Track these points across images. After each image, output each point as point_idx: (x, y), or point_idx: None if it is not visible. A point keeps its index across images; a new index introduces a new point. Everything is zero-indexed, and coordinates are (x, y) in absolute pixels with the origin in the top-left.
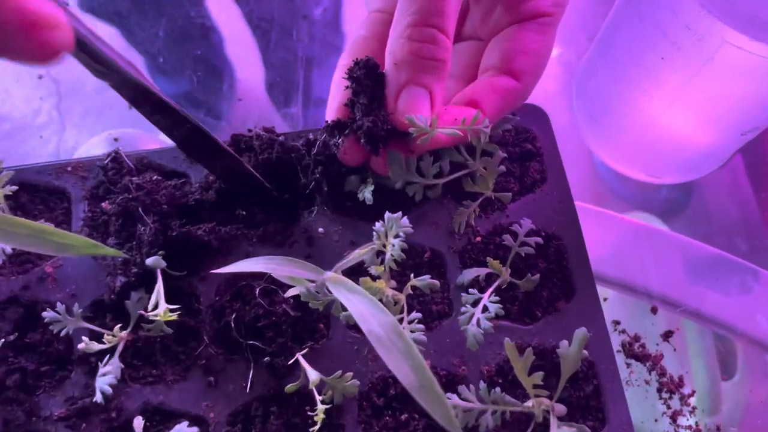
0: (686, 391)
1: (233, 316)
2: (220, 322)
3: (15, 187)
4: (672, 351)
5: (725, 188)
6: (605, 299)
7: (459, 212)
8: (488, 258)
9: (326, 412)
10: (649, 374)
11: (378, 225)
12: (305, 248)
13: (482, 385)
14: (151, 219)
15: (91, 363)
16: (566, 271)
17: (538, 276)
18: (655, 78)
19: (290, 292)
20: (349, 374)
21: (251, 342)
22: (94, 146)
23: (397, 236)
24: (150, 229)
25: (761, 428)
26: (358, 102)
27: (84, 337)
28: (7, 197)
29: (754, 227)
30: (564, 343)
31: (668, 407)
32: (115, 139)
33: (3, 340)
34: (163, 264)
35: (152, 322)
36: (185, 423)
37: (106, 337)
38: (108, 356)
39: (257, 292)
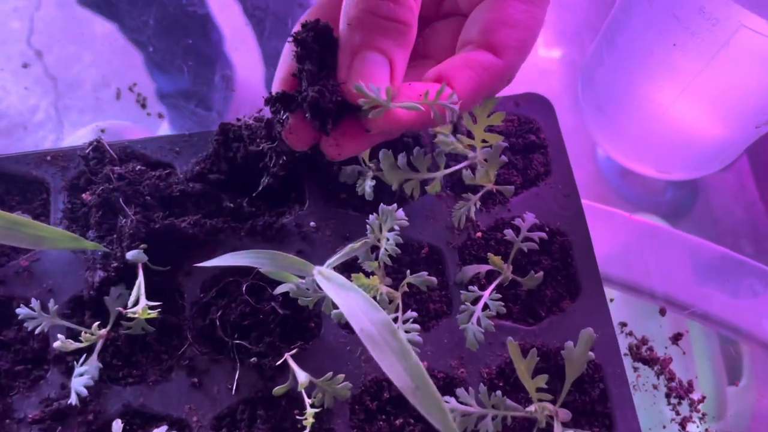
0: (696, 396)
1: (219, 313)
2: (205, 320)
3: None
4: (681, 354)
5: (731, 190)
6: (611, 300)
7: (459, 205)
8: (489, 254)
9: (316, 416)
10: (657, 378)
11: (372, 218)
12: (296, 243)
13: (482, 388)
14: (132, 210)
15: (68, 362)
16: (571, 268)
17: (541, 274)
18: (667, 66)
19: (279, 289)
20: (341, 376)
21: (237, 341)
22: (81, 138)
23: (391, 230)
24: (131, 222)
25: None
26: (304, 69)
27: (60, 335)
28: None
29: (760, 229)
30: (569, 344)
31: (677, 413)
32: (102, 131)
33: None
34: (145, 258)
35: (132, 319)
36: (164, 428)
37: (84, 335)
38: (85, 355)
39: (244, 288)
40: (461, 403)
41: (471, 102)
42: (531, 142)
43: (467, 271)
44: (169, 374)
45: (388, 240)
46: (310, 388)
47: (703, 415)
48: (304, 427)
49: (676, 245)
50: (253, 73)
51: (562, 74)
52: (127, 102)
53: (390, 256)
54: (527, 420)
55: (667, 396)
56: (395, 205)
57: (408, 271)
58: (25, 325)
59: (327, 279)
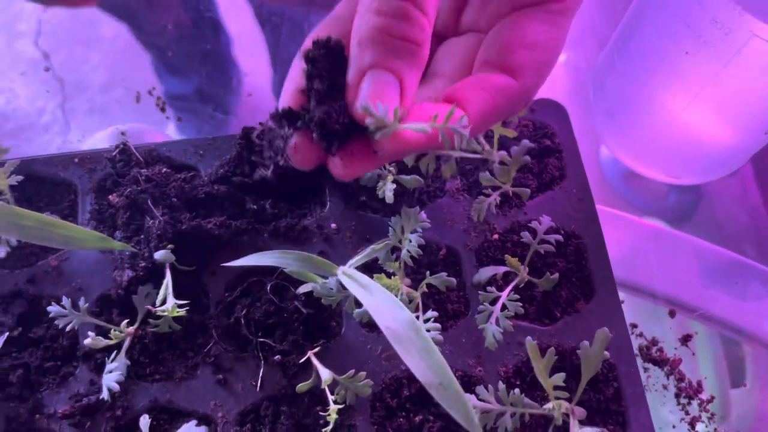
0: (705, 396)
1: (243, 312)
2: (230, 318)
3: (20, 177)
4: (690, 355)
5: (734, 194)
6: (622, 302)
7: (479, 200)
8: (506, 255)
9: (338, 412)
10: (667, 379)
11: (394, 220)
12: (318, 244)
13: (501, 386)
14: (160, 212)
15: (96, 359)
16: (586, 270)
17: (557, 275)
18: (678, 73)
19: (302, 289)
20: (362, 374)
21: (262, 339)
22: (100, 141)
23: (414, 231)
24: (159, 222)
25: None
26: (312, 88)
27: (90, 333)
28: (12, 188)
29: (763, 233)
30: (585, 343)
31: (686, 413)
32: (122, 133)
33: (7, 334)
34: (172, 258)
35: (160, 317)
36: (193, 422)
37: (113, 333)
38: (115, 352)
39: (269, 288)
40: (481, 400)
41: (484, 125)
42: (546, 147)
43: (484, 272)
44: (194, 371)
45: (410, 241)
46: (333, 385)
47: (712, 415)
48: (326, 423)
49: (683, 248)
50: (267, 77)
51: (566, 79)
52: (132, 104)
53: (411, 256)
54: (543, 417)
55: (677, 396)
56: (417, 207)
57: (428, 272)
58: (56, 322)
59: (352, 279)
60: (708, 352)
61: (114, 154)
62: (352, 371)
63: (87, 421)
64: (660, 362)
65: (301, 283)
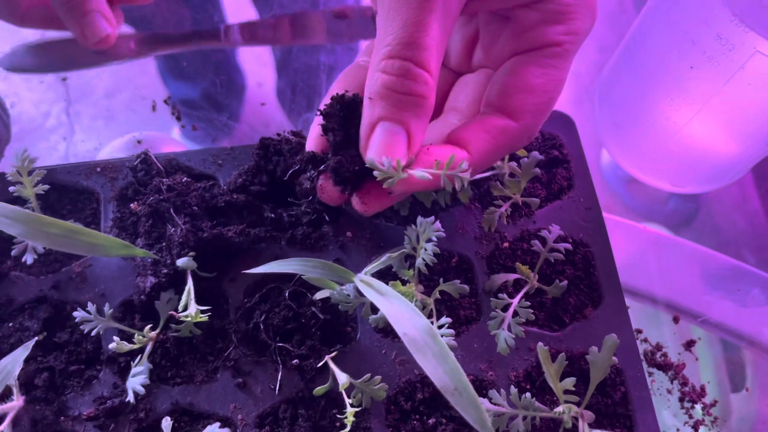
0: (708, 401)
1: (262, 318)
2: (249, 323)
3: (47, 187)
4: (694, 360)
5: (734, 201)
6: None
7: (489, 211)
8: (517, 263)
9: (354, 415)
10: (671, 383)
11: (409, 229)
12: (334, 252)
13: (513, 390)
14: (182, 220)
15: (119, 363)
16: (593, 278)
17: (566, 282)
18: (683, 86)
19: (319, 295)
20: (378, 377)
21: (280, 344)
22: (116, 149)
23: (429, 240)
24: (181, 230)
25: None
26: (329, 140)
27: (115, 337)
28: (37, 196)
29: (763, 240)
30: (593, 349)
31: (690, 417)
32: (139, 142)
33: (36, 338)
34: (194, 265)
35: (181, 322)
36: (217, 424)
37: (137, 338)
38: (139, 357)
39: (287, 294)
40: (494, 404)
41: (487, 163)
42: (554, 158)
43: (495, 279)
44: (215, 375)
45: (425, 250)
46: (349, 389)
47: (715, 419)
48: (343, 426)
49: (685, 255)
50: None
51: (567, 85)
52: (136, 109)
53: (426, 264)
54: (553, 421)
55: (681, 400)
56: (433, 217)
57: (441, 279)
58: (82, 327)
59: (369, 286)
60: (710, 356)
61: (135, 163)
62: (368, 375)
63: (111, 423)
64: (664, 367)
65: (318, 289)
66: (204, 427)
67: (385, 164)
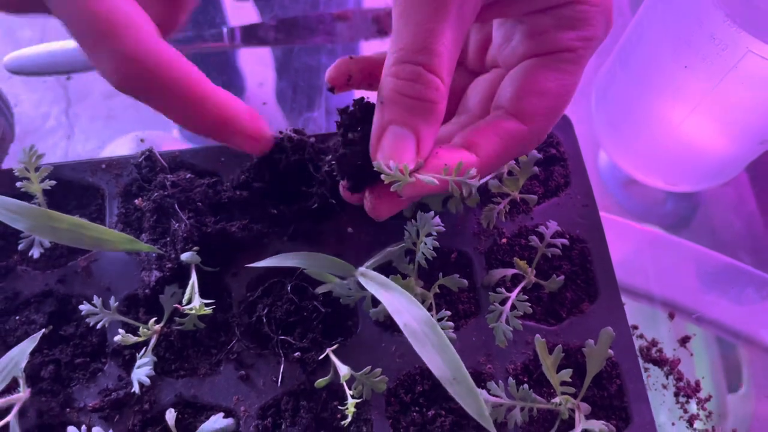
0: (702, 396)
1: (265, 311)
2: (252, 317)
3: (54, 182)
4: (689, 356)
5: (730, 202)
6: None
7: (488, 208)
8: (515, 258)
9: (355, 406)
10: (667, 378)
11: (409, 224)
12: (335, 246)
13: (511, 381)
14: (186, 215)
15: (124, 356)
16: (590, 273)
17: (562, 277)
18: (678, 86)
19: (321, 289)
20: (378, 370)
21: (282, 337)
22: (121, 146)
23: (428, 235)
24: (185, 226)
25: None
26: (341, 136)
27: (120, 330)
28: (44, 192)
29: (759, 241)
30: (590, 342)
31: (685, 411)
32: (142, 140)
33: (43, 331)
34: (198, 259)
35: (185, 316)
36: (221, 414)
37: (141, 331)
38: (144, 349)
39: (289, 288)
40: (492, 395)
41: (495, 166)
42: (552, 156)
43: (494, 274)
44: (218, 367)
45: (425, 244)
46: (350, 381)
47: (710, 413)
48: (344, 417)
49: (681, 254)
50: (281, 87)
51: None
52: (136, 110)
53: (426, 258)
54: (550, 413)
55: (676, 395)
56: (432, 212)
57: (440, 274)
58: (87, 320)
59: (370, 279)
60: (705, 353)
61: (140, 160)
62: (368, 367)
63: (116, 414)
64: (660, 362)
65: (319, 283)
66: (207, 418)
67: (392, 168)
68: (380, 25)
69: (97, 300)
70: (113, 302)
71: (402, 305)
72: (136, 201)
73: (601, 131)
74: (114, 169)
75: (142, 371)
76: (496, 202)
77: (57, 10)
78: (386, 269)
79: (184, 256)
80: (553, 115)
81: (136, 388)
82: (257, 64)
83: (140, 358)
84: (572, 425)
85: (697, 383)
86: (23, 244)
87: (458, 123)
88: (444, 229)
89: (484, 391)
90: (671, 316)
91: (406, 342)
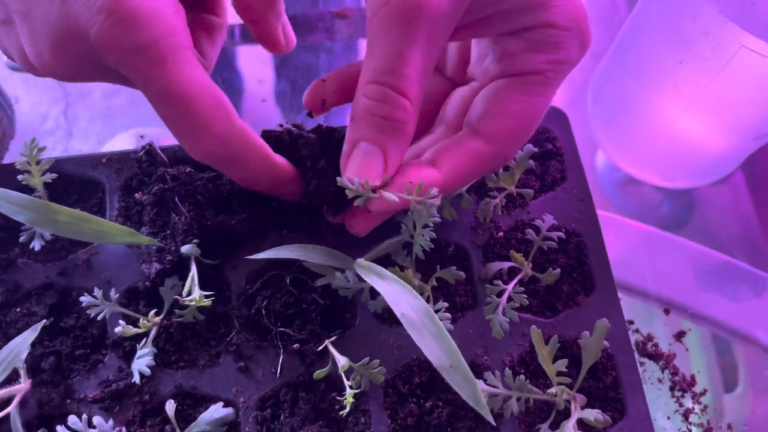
0: (697, 390)
1: (264, 303)
2: (251, 309)
3: (55, 175)
4: (684, 351)
5: (726, 202)
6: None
7: (485, 202)
8: (511, 251)
9: (353, 397)
10: (662, 373)
11: (406, 216)
12: (333, 239)
13: (507, 371)
14: (186, 209)
15: (125, 347)
16: (586, 266)
17: (558, 270)
18: (673, 82)
19: (320, 281)
20: (376, 361)
21: (281, 329)
22: (121, 142)
23: (425, 226)
24: (185, 218)
25: None
26: (309, 166)
27: (121, 321)
28: (45, 186)
29: (755, 240)
30: (585, 333)
31: (680, 405)
32: (141, 137)
33: (45, 321)
34: (198, 252)
35: (185, 308)
36: (220, 404)
37: (142, 322)
38: (144, 341)
39: (288, 280)
40: (489, 385)
41: (460, 183)
42: (548, 150)
43: (490, 267)
44: (217, 359)
45: (422, 236)
46: (348, 372)
47: (705, 407)
48: (342, 408)
49: (677, 251)
50: (280, 84)
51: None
52: (134, 110)
53: (423, 250)
54: (546, 403)
55: (671, 389)
56: None
57: (438, 267)
58: (88, 311)
59: (368, 271)
60: (699, 348)
61: (140, 154)
62: (367, 359)
63: (116, 405)
64: (655, 357)
65: (318, 276)
66: (207, 409)
67: (354, 184)
68: None
69: (97, 292)
70: (114, 294)
71: (400, 296)
72: (136, 195)
73: (598, 129)
74: (114, 164)
75: (142, 361)
76: (492, 196)
77: (144, 90)
78: (384, 262)
79: (184, 249)
80: (519, 137)
81: (136, 379)
82: (256, 62)
83: (140, 349)
84: (568, 415)
85: (692, 378)
86: (24, 236)
87: (434, 136)
88: (440, 220)
89: (481, 382)
90: (667, 312)
91: (404, 334)
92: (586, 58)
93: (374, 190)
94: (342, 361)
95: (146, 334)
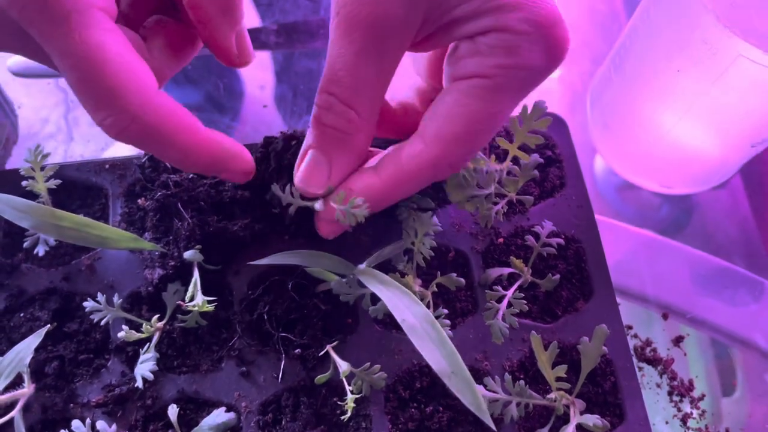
0: (696, 394)
1: (266, 309)
2: (253, 314)
3: (59, 181)
4: (682, 356)
5: (724, 207)
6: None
7: (486, 208)
8: (511, 257)
9: (354, 402)
10: (661, 378)
11: (407, 224)
12: (335, 245)
13: (507, 377)
14: (189, 214)
15: (127, 352)
16: (585, 272)
17: (558, 276)
18: (671, 90)
19: (321, 287)
20: (377, 366)
21: (283, 334)
22: (121, 148)
23: (426, 234)
24: (188, 224)
25: None
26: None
27: (124, 326)
28: (49, 191)
29: (753, 245)
30: (584, 339)
31: (679, 410)
32: None
33: (48, 326)
34: (201, 257)
35: (188, 313)
36: (222, 408)
37: (145, 327)
38: (148, 345)
39: (290, 286)
40: (489, 390)
41: (400, 189)
42: (547, 157)
43: (490, 273)
44: (219, 364)
45: (423, 243)
46: (349, 377)
47: (703, 411)
48: (343, 413)
49: (675, 256)
50: (282, 90)
51: (561, 93)
52: None
53: (424, 258)
54: (545, 408)
55: (670, 394)
56: (430, 212)
57: (438, 273)
58: (92, 316)
59: (370, 277)
60: (698, 352)
61: (143, 160)
62: (368, 364)
63: (119, 410)
64: (653, 362)
65: (320, 281)
66: (209, 414)
67: (281, 192)
68: None
69: (101, 297)
70: (117, 299)
71: (401, 302)
72: (139, 200)
73: (596, 135)
74: (117, 169)
75: (145, 366)
76: (494, 203)
77: (49, 52)
78: (385, 268)
79: (187, 255)
80: (462, 141)
81: (139, 383)
82: (258, 68)
83: (143, 354)
84: (567, 420)
85: (691, 382)
86: (28, 242)
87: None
88: (441, 229)
89: (481, 387)
90: (665, 317)
91: (405, 339)
92: (586, 64)
93: (319, 198)
94: (343, 366)
95: (149, 339)
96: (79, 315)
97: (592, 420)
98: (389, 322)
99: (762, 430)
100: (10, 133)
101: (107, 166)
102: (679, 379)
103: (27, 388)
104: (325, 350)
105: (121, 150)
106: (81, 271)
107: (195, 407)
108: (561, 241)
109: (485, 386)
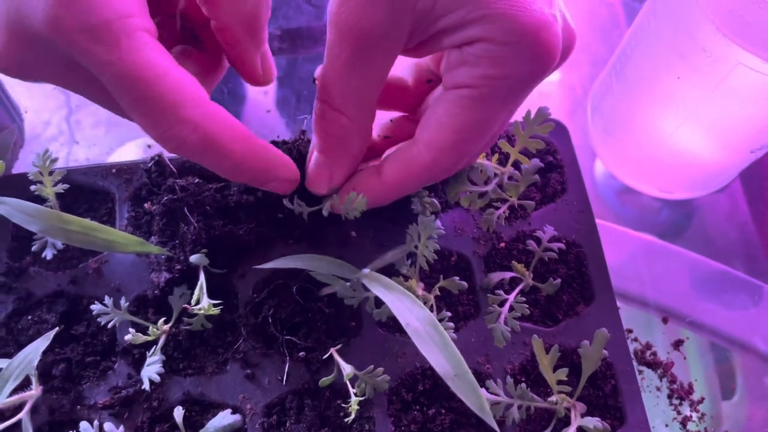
0: (695, 398)
1: (271, 312)
2: (258, 317)
3: (67, 186)
4: (682, 359)
5: (724, 211)
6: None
7: (489, 213)
8: (513, 262)
9: (358, 404)
10: (660, 381)
11: (411, 228)
12: (339, 249)
13: (509, 380)
14: (195, 219)
15: (134, 354)
16: (586, 276)
17: (559, 281)
18: (671, 96)
19: (325, 290)
20: (381, 369)
21: (287, 337)
22: (128, 151)
23: (430, 237)
24: (194, 228)
25: None
26: None
27: (131, 329)
28: (56, 195)
29: (752, 249)
30: (585, 343)
31: (678, 413)
32: (149, 146)
33: (57, 329)
34: (207, 261)
35: (193, 316)
36: (228, 410)
37: (151, 330)
38: (153, 348)
39: (295, 289)
40: (491, 393)
41: (398, 191)
42: (549, 163)
43: (492, 277)
44: (224, 366)
45: (427, 247)
46: (353, 380)
47: (702, 415)
48: (347, 415)
49: (675, 260)
50: (285, 94)
51: (562, 98)
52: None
53: (427, 261)
54: (547, 411)
55: (669, 397)
56: (433, 216)
57: (441, 276)
58: (99, 319)
59: (374, 281)
60: (697, 356)
61: (150, 165)
62: (371, 367)
63: (125, 411)
64: (653, 365)
65: (324, 285)
66: (214, 416)
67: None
68: None
69: (108, 300)
70: (123, 302)
71: (405, 306)
72: (146, 205)
73: (597, 140)
74: (124, 174)
75: (152, 368)
76: (496, 207)
77: (103, 78)
78: (388, 271)
79: (193, 258)
80: (453, 149)
81: (146, 385)
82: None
83: (150, 356)
84: (568, 423)
85: (690, 385)
86: (36, 245)
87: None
88: (444, 233)
89: (483, 390)
90: (665, 321)
91: (408, 342)
92: (587, 69)
93: (325, 202)
94: (347, 368)
95: (155, 342)
96: (86, 318)
97: (592, 423)
98: (392, 325)
99: None
100: (17, 137)
101: (114, 170)
102: (679, 383)
103: (35, 390)
104: (328, 353)
105: (127, 154)
106: (88, 275)
107: (200, 409)
108: (562, 245)
109: (487, 389)
